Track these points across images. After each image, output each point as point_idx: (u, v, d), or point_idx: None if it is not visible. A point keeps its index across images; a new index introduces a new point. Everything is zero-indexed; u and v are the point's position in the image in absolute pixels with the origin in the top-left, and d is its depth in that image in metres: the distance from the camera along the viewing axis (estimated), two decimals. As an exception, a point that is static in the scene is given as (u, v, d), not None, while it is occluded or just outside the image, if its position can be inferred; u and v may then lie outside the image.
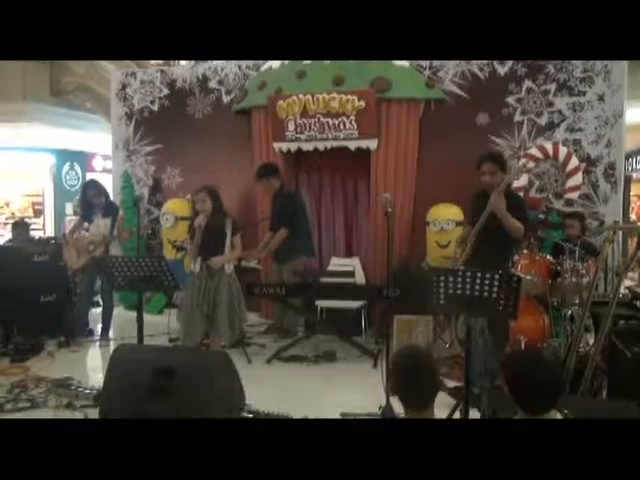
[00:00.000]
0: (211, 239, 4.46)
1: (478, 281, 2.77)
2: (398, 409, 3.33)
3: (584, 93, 5.51)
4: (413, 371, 1.88)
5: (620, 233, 5.55)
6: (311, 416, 3.44)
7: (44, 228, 11.74)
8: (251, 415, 3.49)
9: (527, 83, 5.64)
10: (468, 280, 2.79)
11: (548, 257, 4.58)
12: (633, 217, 10.74)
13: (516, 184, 5.44)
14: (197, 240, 4.45)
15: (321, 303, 5.43)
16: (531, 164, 5.55)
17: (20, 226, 6.30)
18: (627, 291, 4.17)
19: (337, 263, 5.95)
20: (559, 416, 1.88)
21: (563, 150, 5.50)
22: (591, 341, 3.90)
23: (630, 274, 5.34)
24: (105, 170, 11.69)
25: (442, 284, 2.87)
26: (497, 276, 2.76)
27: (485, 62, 5.72)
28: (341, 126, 5.66)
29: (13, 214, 11.77)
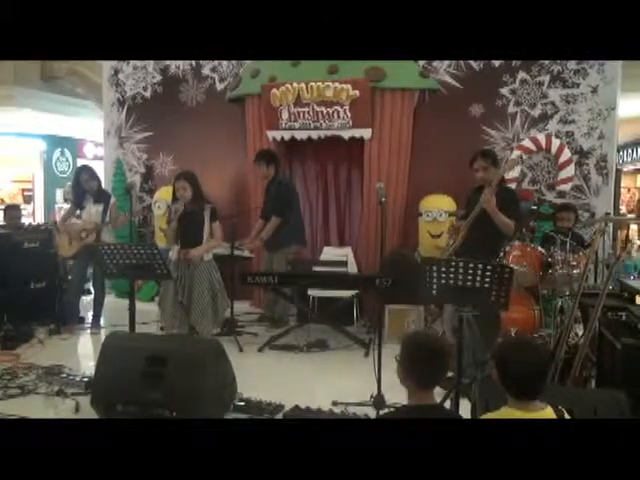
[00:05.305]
0: (189, 226, 4.40)
1: (470, 271, 2.78)
2: (389, 398, 3.37)
3: (578, 85, 5.53)
4: (431, 352, 1.90)
5: (611, 225, 5.60)
6: (302, 405, 3.46)
7: (34, 215, 11.64)
8: (242, 403, 3.50)
9: (521, 74, 5.65)
10: (460, 270, 2.80)
11: (539, 248, 4.61)
12: (623, 209, 10.81)
13: (508, 175, 5.47)
14: (173, 226, 4.39)
15: (313, 292, 5.44)
16: (524, 156, 5.57)
17: (12, 209, 6.26)
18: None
19: (330, 252, 5.96)
20: (551, 410, 1.89)
21: (556, 142, 5.52)
22: (580, 332, 3.93)
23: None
24: (96, 157, 11.59)
25: (434, 274, 2.88)
26: (489, 267, 2.77)
27: (480, 53, 5.71)
28: (335, 115, 5.64)
29: (2, 200, 11.67)
